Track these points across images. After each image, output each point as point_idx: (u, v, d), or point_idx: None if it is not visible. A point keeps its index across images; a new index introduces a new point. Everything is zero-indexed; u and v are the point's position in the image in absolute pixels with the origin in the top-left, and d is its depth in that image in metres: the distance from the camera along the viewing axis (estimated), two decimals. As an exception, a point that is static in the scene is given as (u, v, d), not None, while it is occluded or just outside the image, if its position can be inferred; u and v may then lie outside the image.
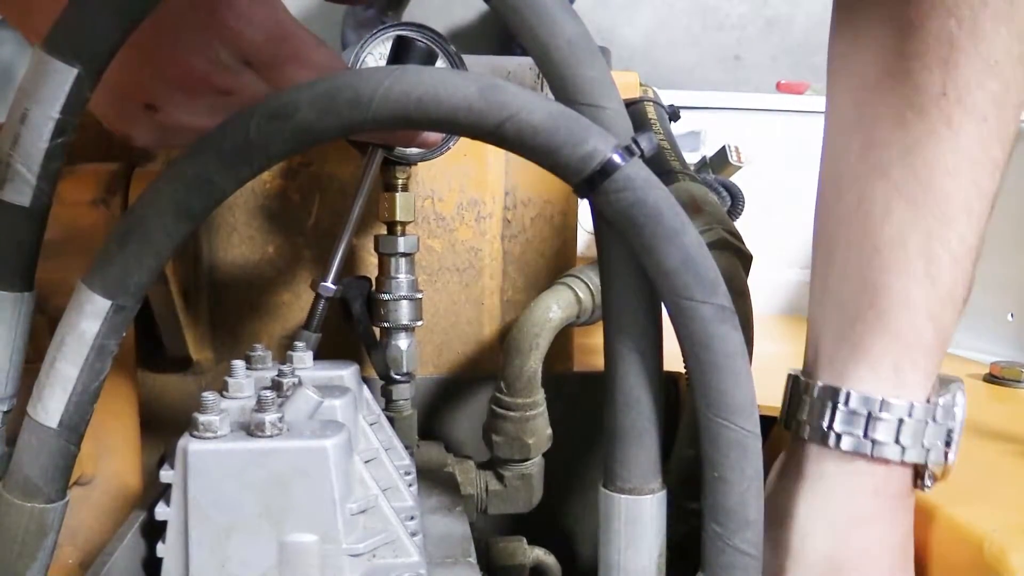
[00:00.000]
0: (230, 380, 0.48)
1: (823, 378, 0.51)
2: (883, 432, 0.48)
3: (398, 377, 0.66)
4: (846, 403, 0.49)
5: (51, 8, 0.36)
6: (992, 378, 0.88)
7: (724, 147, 1.01)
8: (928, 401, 0.49)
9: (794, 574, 0.50)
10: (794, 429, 0.51)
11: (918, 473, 0.50)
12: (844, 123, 0.52)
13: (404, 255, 0.66)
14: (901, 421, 0.48)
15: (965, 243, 0.48)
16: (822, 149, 0.55)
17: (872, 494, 0.49)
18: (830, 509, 0.49)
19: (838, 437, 0.49)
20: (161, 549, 0.43)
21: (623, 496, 0.44)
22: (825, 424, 0.49)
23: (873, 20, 0.50)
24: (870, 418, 0.48)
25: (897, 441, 0.48)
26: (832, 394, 0.49)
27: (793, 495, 0.50)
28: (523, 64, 0.77)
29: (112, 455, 0.64)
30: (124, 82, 0.47)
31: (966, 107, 0.47)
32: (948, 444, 0.49)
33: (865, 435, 0.48)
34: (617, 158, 0.37)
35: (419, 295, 0.66)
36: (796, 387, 0.52)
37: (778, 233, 1.33)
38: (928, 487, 0.50)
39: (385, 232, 0.66)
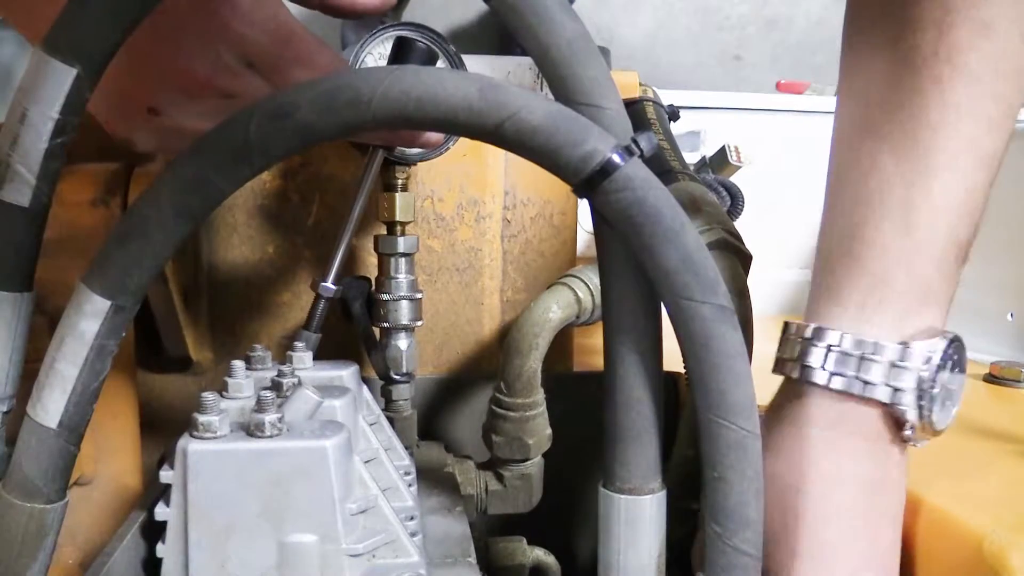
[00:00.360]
0: (230, 380, 0.48)
1: (809, 320, 0.53)
2: (841, 365, 0.49)
3: (398, 377, 0.66)
4: (811, 337, 0.50)
5: (53, 10, 0.36)
6: (992, 378, 0.88)
7: (724, 147, 1.01)
8: (903, 344, 0.49)
9: None
10: (776, 368, 0.53)
11: (898, 421, 0.50)
12: (848, 93, 0.54)
13: (404, 255, 0.66)
14: (862, 357, 0.49)
15: (949, 194, 0.49)
16: (833, 121, 0.56)
17: (829, 426, 0.50)
18: (786, 434, 0.51)
19: (803, 369, 0.50)
20: (161, 549, 0.43)
21: (623, 496, 0.44)
22: (791, 356, 0.51)
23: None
24: (829, 350, 0.49)
25: (858, 376, 0.49)
26: (801, 330, 0.51)
27: (763, 423, 0.52)
28: (523, 64, 0.77)
29: (112, 455, 0.64)
30: (125, 86, 0.47)
31: (956, 66, 0.48)
32: (923, 393, 0.48)
33: (823, 367, 0.50)
34: (616, 158, 0.37)
35: (419, 295, 0.66)
36: (783, 332, 0.54)
37: (778, 233, 1.33)
38: (910, 437, 0.50)
39: (385, 232, 0.66)
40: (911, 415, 0.49)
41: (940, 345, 0.49)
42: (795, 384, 0.51)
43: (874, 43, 0.52)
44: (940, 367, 0.48)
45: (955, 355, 0.50)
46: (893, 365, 0.48)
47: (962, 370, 0.51)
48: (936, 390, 0.48)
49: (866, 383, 0.49)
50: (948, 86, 0.48)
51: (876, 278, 0.50)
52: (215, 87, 0.47)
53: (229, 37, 0.46)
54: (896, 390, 0.49)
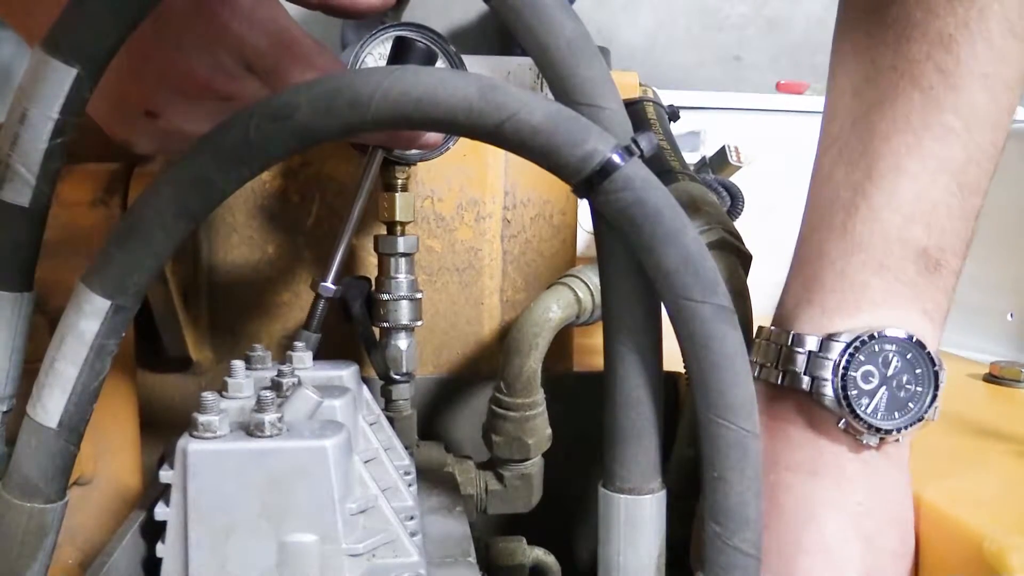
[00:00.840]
0: (230, 380, 0.48)
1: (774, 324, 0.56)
2: (763, 356, 0.53)
3: (398, 377, 0.66)
4: (755, 335, 0.55)
5: (52, 11, 0.36)
6: (992, 378, 0.88)
7: (724, 147, 1.01)
8: (826, 337, 0.51)
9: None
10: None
11: (837, 416, 0.50)
12: (825, 107, 0.56)
13: (404, 255, 0.66)
14: (781, 348, 0.52)
15: (894, 199, 0.51)
16: None
17: (761, 413, 0.51)
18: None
19: (759, 368, 0.54)
20: (161, 549, 0.43)
21: (622, 496, 0.44)
22: (759, 361, 0.54)
23: (860, 10, 0.53)
24: (759, 345, 0.54)
25: (776, 366, 0.52)
26: (772, 335, 0.54)
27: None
28: (523, 64, 0.77)
29: (112, 455, 0.64)
30: (125, 89, 0.47)
31: (912, 77, 0.50)
32: (846, 384, 0.49)
33: (753, 360, 0.53)
34: (616, 158, 0.37)
35: (419, 295, 0.66)
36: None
37: (778, 233, 1.32)
38: (851, 431, 0.50)
39: (385, 232, 0.66)
40: (831, 404, 0.50)
41: (846, 339, 0.50)
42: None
43: (846, 57, 0.54)
44: (854, 359, 0.49)
45: (895, 353, 0.50)
46: (814, 355, 0.50)
47: (921, 371, 0.51)
48: (871, 385, 0.50)
49: (783, 372, 0.51)
50: (902, 98, 0.50)
51: (809, 278, 0.53)
52: (213, 89, 0.47)
53: (228, 39, 0.46)
54: (814, 379, 0.50)
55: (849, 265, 0.51)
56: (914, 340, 0.50)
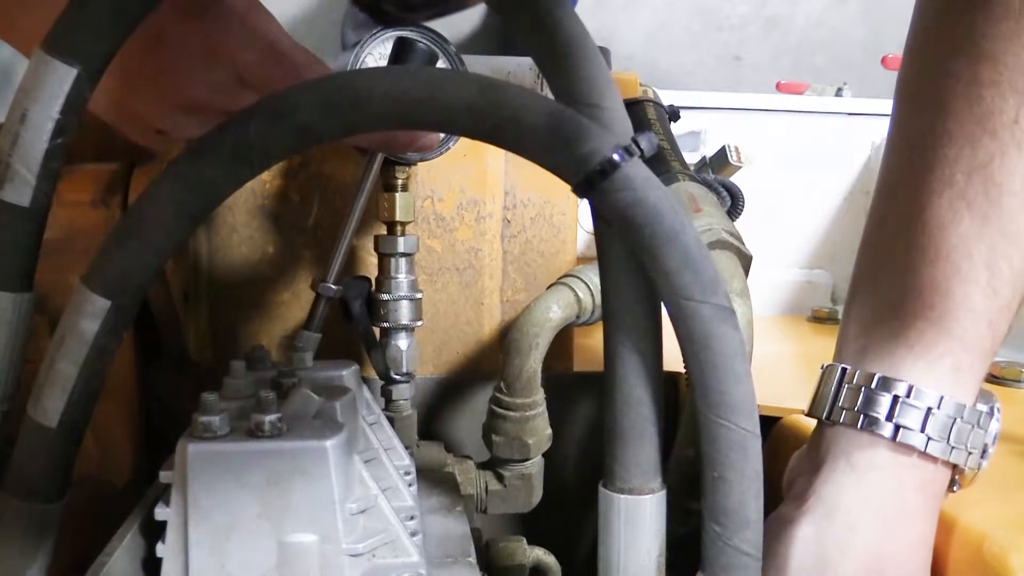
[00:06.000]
0: (230, 380, 0.48)
1: (877, 369, 0.51)
2: (936, 429, 0.49)
3: (398, 377, 0.66)
4: (907, 395, 0.49)
5: (34, 20, 0.37)
6: (992, 378, 0.88)
7: (724, 147, 1.01)
8: (975, 406, 0.50)
9: (839, 565, 0.50)
10: (836, 418, 0.52)
11: (952, 476, 0.51)
12: (911, 144, 0.54)
13: (404, 255, 0.66)
14: (954, 420, 0.49)
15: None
16: (882, 164, 0.56)
17: (918, 489, 0.50)
18: (882, 502, 0.50)
19: (896, 428, 0.49)
20: (161, 549, 0.43)
21: (622, 496, 0.44)
22: (882, 415, 0.50)
23: (951, 50, 0.51)
24: (928, 414, 0.49)
25: (948, 440, 0.49)
26: (890, 385, 0.50)
27: (841, 486, 0.51)
28: (523, 64, 0.77)
29: (112, 455, 0.64)
30: (135, 110, 0.49)
31: None
32: (984, 453, 0.51)
33: (922, 430, 0.49)
34: (616, 158, 0.37)
35: (419, 295, 0.66)
36: (840, 376, 0.53)
37: (778, 233, 1.32)
38: (955, 491, 0.51)
39: (385, 232, 0.66)
40: (971, 475, 0.51)
41: (999, 413, 0.51)
42: (873, 439, 0.50)
43: (936, 106, 0.51)
44: (998, 432, 0.52)
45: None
46: (972, 427, 0.50)
47: None
48: (993, 450, 0.52)
49: (952, 448, 0.50)
50: None
51: (967, 341, 0.50)
52: (214, 108, 0.49)
53: (222, 59, 0.47)
54: (969, 453, 0.50)
55: (1000, 327, 0.50)
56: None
